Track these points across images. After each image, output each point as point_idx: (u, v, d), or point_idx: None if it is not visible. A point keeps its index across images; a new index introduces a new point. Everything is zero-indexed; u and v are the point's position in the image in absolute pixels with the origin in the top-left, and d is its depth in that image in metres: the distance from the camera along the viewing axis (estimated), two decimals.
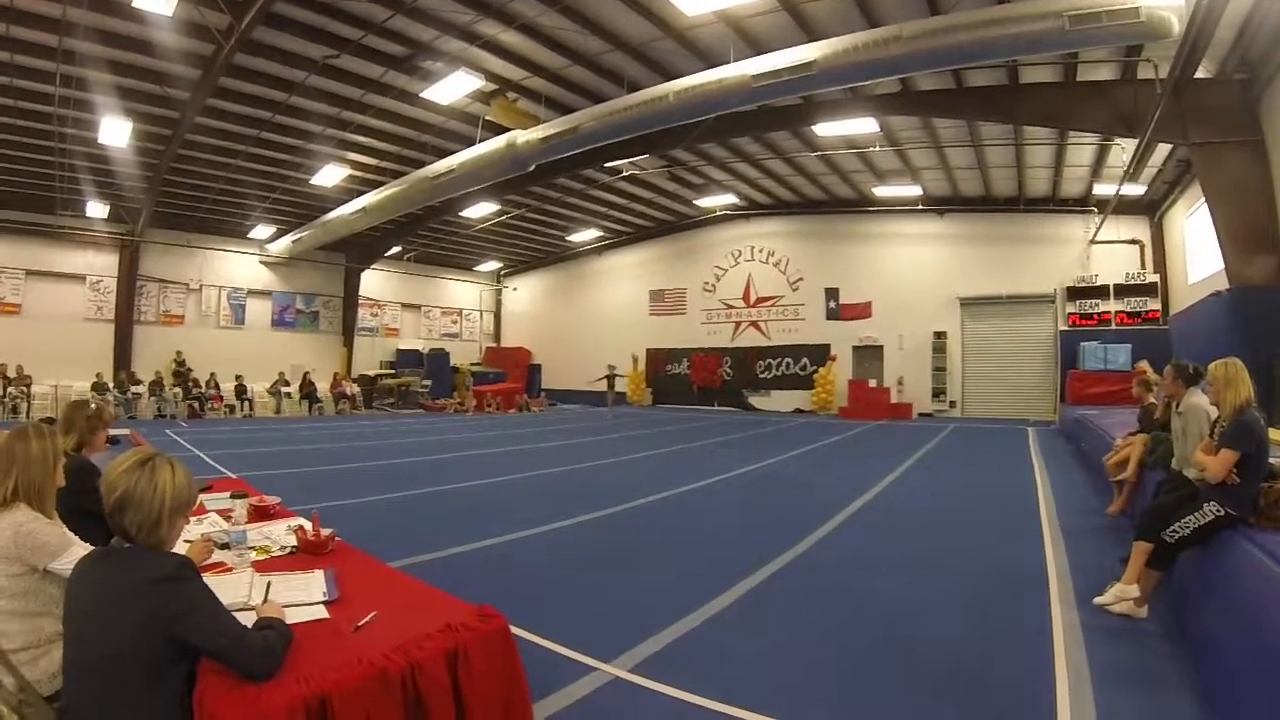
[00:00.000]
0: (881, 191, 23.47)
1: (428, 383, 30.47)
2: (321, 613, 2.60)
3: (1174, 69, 11.99)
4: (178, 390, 23.39)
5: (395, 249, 30.17)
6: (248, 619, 2.27)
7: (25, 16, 12.46)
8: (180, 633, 1.99)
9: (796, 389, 27.65)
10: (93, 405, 4.05)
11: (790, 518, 8.12)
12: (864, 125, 17.25)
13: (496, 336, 38.14)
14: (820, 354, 27.21)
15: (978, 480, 11.23)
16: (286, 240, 25.72)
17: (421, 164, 18.94)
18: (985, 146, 19.27)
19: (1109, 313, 21.58)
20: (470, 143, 17.28)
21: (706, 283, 30.74)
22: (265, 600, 2.61)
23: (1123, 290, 21.50)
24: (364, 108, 16.95)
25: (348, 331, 30.42)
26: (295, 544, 3.52)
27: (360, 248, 28.99)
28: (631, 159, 20.81)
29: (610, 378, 25.87)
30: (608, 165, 21.33)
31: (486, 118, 16.85)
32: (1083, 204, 22.19)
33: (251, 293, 27.75)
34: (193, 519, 3.97)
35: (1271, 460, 4.30)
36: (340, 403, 26.83)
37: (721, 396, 29.70)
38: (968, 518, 8.29)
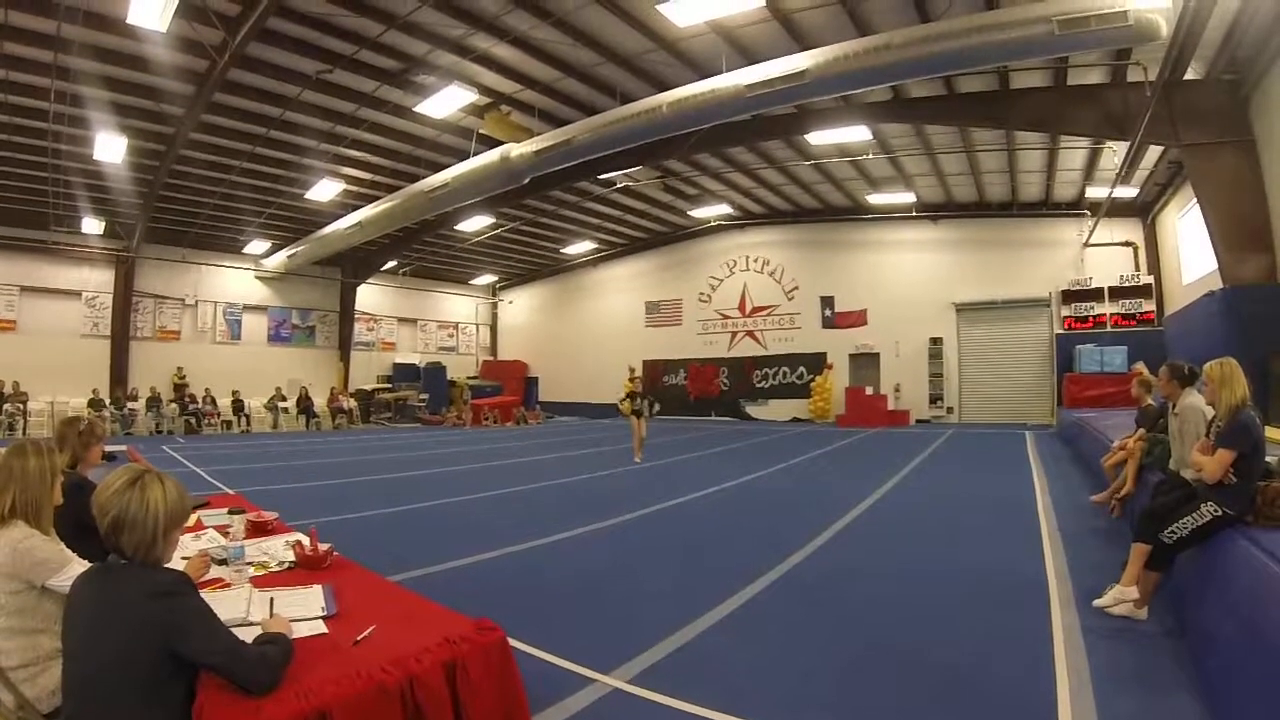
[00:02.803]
0: (875, 199, 23.60)
1: (425, 396, 30.44)
2: (320, 627, 2.60)
3: (1163, 71, 12.08)
4: (174, 406, 23.34)
5: (391, 263, 30.24)
6: (247, 635, 2.26)
7: (20, 33, 12.51)
8: (178, 647, 1.99)
9: (793, 398, 27.71)
10: (84, 421, 4.03)
11: (788, 526, 8.10)
12: (857, 133, 17.35)
13: (493, 350, 38.15)
14: (817, 362, 27.26)
15: (976, 485, 11.23)
16: (282, 255, 25.75)
17: (416, 178, 18.97)
18: (978, 152, 19.36)
19: (1104, 315, 21.62)
20: (464, 156, 17.34)
21: (702, 293, 30.81)
22: (271, 615, 2.61)
23: (1117, 292, 21.55)
24: (358, 122, 17.00)
25: (344, 346, 30.42)
26: (293, 559, 3.52)
27: (356, 262, 29.08)
28: (625, 170, 20.87)
29: (637, 398, 15.29)
30: (602, 177, 21.40)
31: (480, 131, 16.92)
32: (1076, 207, 22.31)
33: (247, 308, 27.78)
34: (190, 535, 3.97)
35: (1268, 459, 4.30)
36: (337, 417, 26.82)
37: (719, 407, 29.75)
38: (966, 523, 8.28)
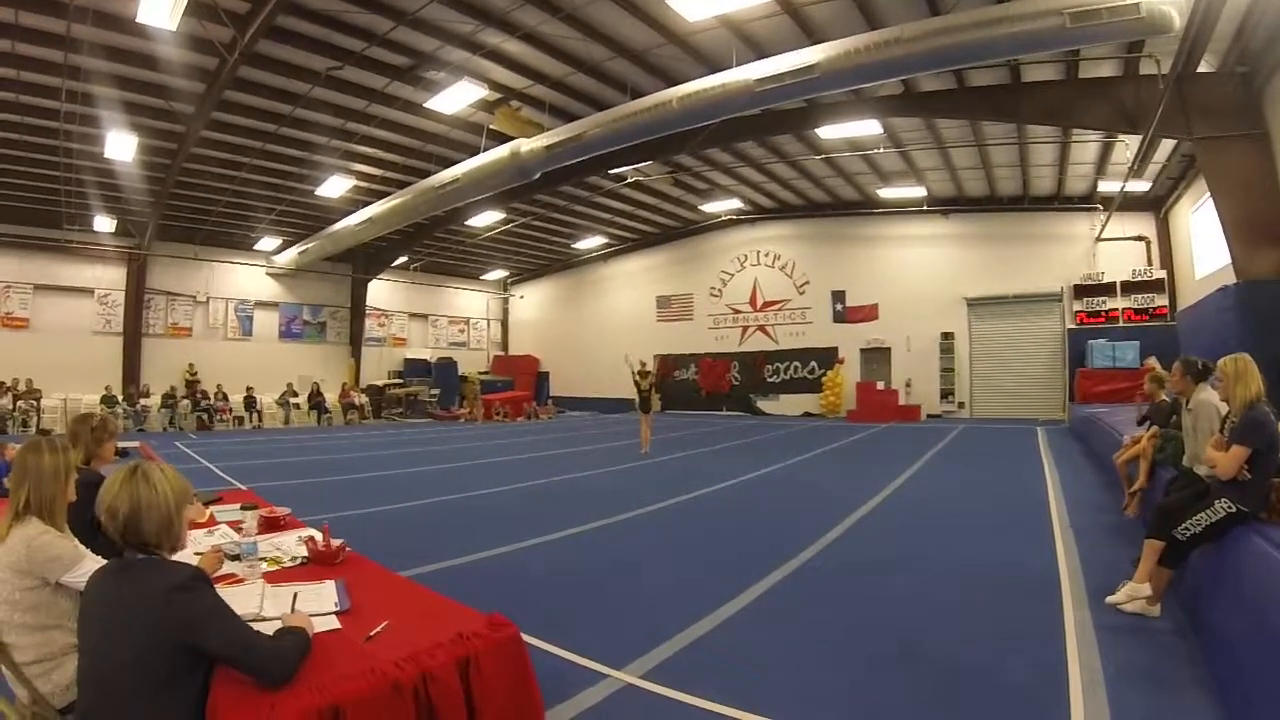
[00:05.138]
0: (886, 193, 23.47)
1: (436, 391, 30.54)
2: (333, 623, 2.60)
3: (1175, 64, 12.01)
4: (186, 402, 23.48)
5: (401, 259, 30.28)
6: (262, 629, 2.27)
7: (30, 33, 12.57)
8: (194, 641, 2.01)
9: (804, 392, 27.65)
10: (97, 418, 4.05)
11: (800, 522, 8.10)
12: (867, 127, 17.21)
13: (504, 345, 38.22)
14: (828, 357, 27.20)
15: (988, 481, 11.19)
16: (293, 251, 25.79)
17: (426, 174, 18.98)
18: (989, 146, 19.24)
19: (1116, 310, 21.49)
20: (475, 152, 17.34)
21: (713, 288, 30.78)
22: (293, 610, 2.64)
23: (1130, 287, 21.41)
24: (368, 119, 17.01)
25: (355, 342, 30.53)
26: (306, 555, 3.53)
27: (366, 258, 29.15)
28: (636, 165, 20.83)
29: (641, 385, 16.09)
30: (612, 172, 21.35)
31: (490, 127, 16.90)
32: (1088, 201, 22.15)
33: (259, 304, 27.91)
34: (203, 531, 4.00)
35: None
36: (349, 413, 26.92)
37: (730, 401, 29.72)
38: (978, 519, 8.26)
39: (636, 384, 15.63)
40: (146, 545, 2.15)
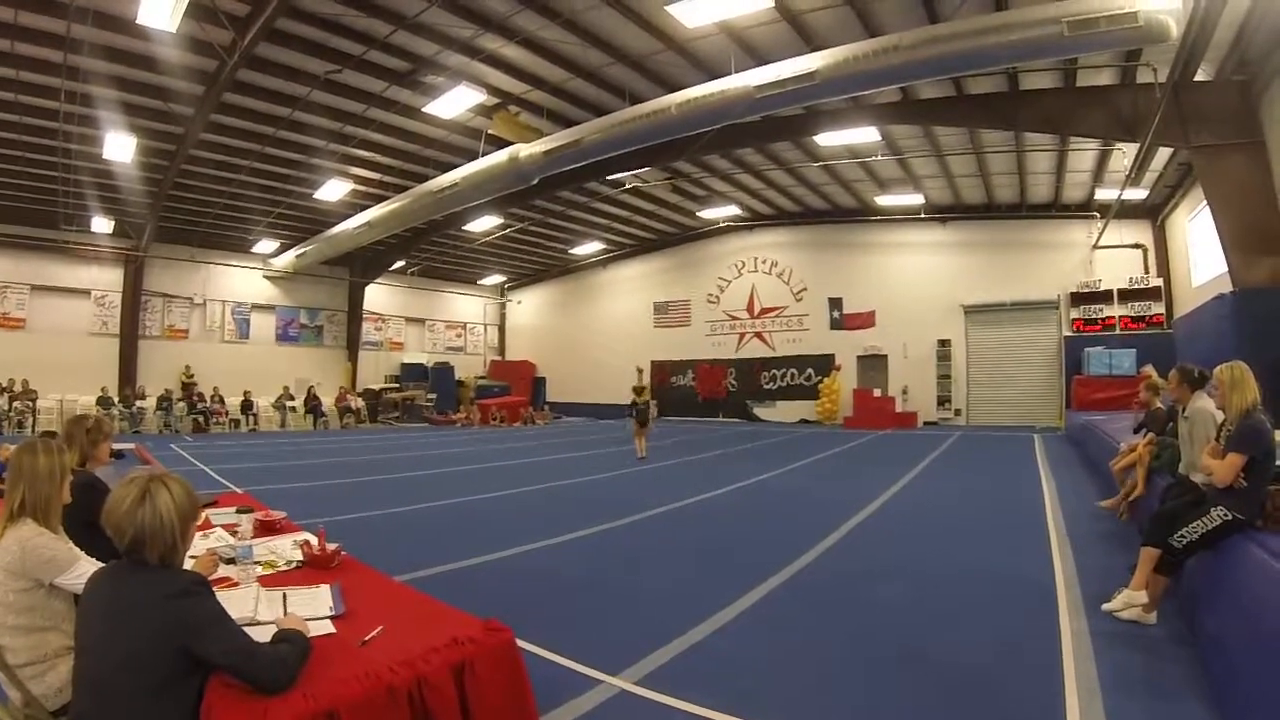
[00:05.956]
0: (884, 200, 23.54)
1: (432, 396, 30.51)
2: (328, 627, 2.59)
3: (1173, 72, 12.03)
4: (182, 405, 23.43)
5: (399, 263, 30.25)
6: (255, 633, 2.26)
7: (30, 33, 12.55)
8: (193, 646, 2.00)
9: (801, 399, 27.65)
10: (91, 419, 4.03)
11: (796, 528, 8.09)
12: (865, 134, 17.28)
13: (501, 350, 38.20)
14: (824, 364, 27.20)
15: (984, 488, 11.19)
16: (290, 255, 25.79)
17: (424, 178, 18.99)
18: (987, 153, 19.27)
19: (1113, 318, 21.56)
20: (473, 157, 17.36)
21: (710, 294, 30.79)
22: (285, 613, 2.62)
23: (1126, 295, 21.48)
24: (367, 122, 17.01)
25: (352, 345, 30.49)
26: (301, 558, 3.52)
27: (364, 262, 29.15)
28: (634, 171, 20.85)
29: (638, 400, 15.89)
30: (610, 178, 21.38)
31: (489, 131, 16.92)
32: (1085, 209, 22.22)
33: (255, 307, 27.86)
34: (199, 534, 3.97)
35: (1279, 463, 4.27)
36: (345, 417, 26.88)
37: (726, 408, 29.74)
38: (974, 526, 8.26)
39: (633, 399, 15.60)
40: (148, 563, 2.14)
